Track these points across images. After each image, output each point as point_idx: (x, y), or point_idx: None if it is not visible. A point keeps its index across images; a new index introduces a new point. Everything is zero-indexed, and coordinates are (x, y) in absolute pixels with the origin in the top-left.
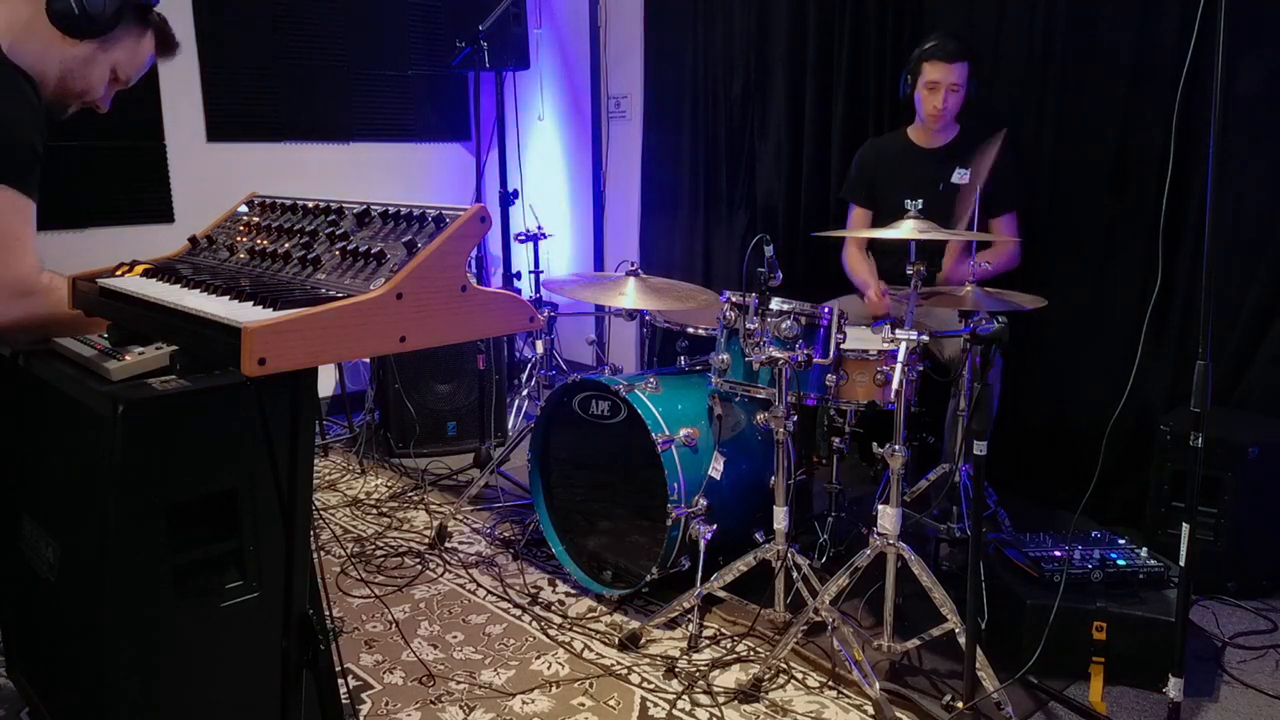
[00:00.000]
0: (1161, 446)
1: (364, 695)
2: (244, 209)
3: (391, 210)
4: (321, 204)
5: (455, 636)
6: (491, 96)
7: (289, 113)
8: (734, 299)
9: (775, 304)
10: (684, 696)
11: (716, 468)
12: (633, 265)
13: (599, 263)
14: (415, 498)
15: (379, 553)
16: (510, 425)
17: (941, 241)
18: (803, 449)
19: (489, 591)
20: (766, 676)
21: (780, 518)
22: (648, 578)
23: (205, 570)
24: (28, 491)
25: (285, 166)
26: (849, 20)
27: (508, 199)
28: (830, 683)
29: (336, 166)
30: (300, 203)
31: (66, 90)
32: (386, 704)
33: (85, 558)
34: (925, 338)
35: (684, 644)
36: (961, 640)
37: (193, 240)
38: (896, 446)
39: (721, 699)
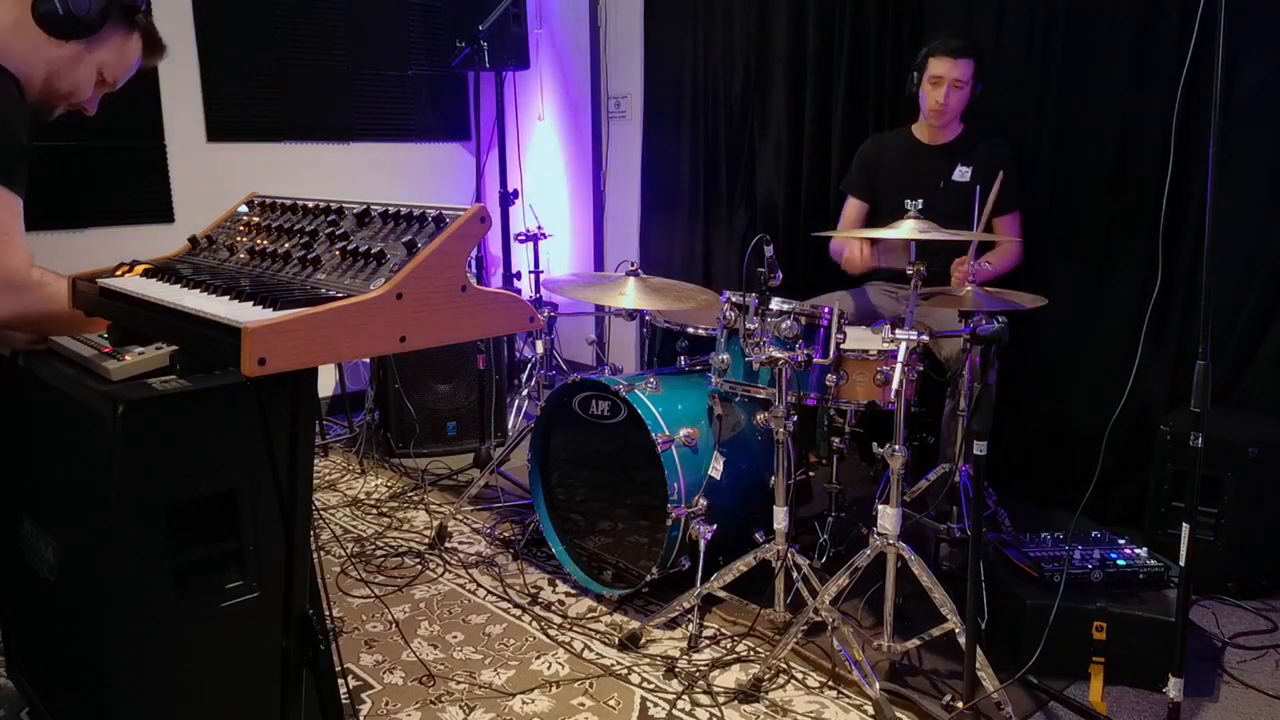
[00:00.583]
0: (1161, 446)
1: (364, 695)
2: (244, 209)
3: (391, 210)
4: (321, 204)
5: (455, 636)
6: (491, 96)
7: (289, 113)
8: (734, 299)
9: (775, 304)
10: (684, 696)
11: (716, 468)
12: (633, 265)
13: (599, 263)
14: (415, 498)
15: (379, 553)
16: (510, 425)
17: (941, 241)
18: (803, 449)
19: (489, 591)
20: (766, 676)
21: (780, 518)
22: (648, 578)
23: (205, 570)
24: (28, 491)
25: (285, 166)
26: (849, 20)
27: (508, 199)
28: (830, 683)
29: (336, 166)
30: (300, 203)
31: (53, 91)
32: (386, 704)
33: (85, 558)
34: (925, 338)
35: (684, 644)
36: (961, 640)
37: (193, 240)
38: (896, 446)
39: (721, 699)
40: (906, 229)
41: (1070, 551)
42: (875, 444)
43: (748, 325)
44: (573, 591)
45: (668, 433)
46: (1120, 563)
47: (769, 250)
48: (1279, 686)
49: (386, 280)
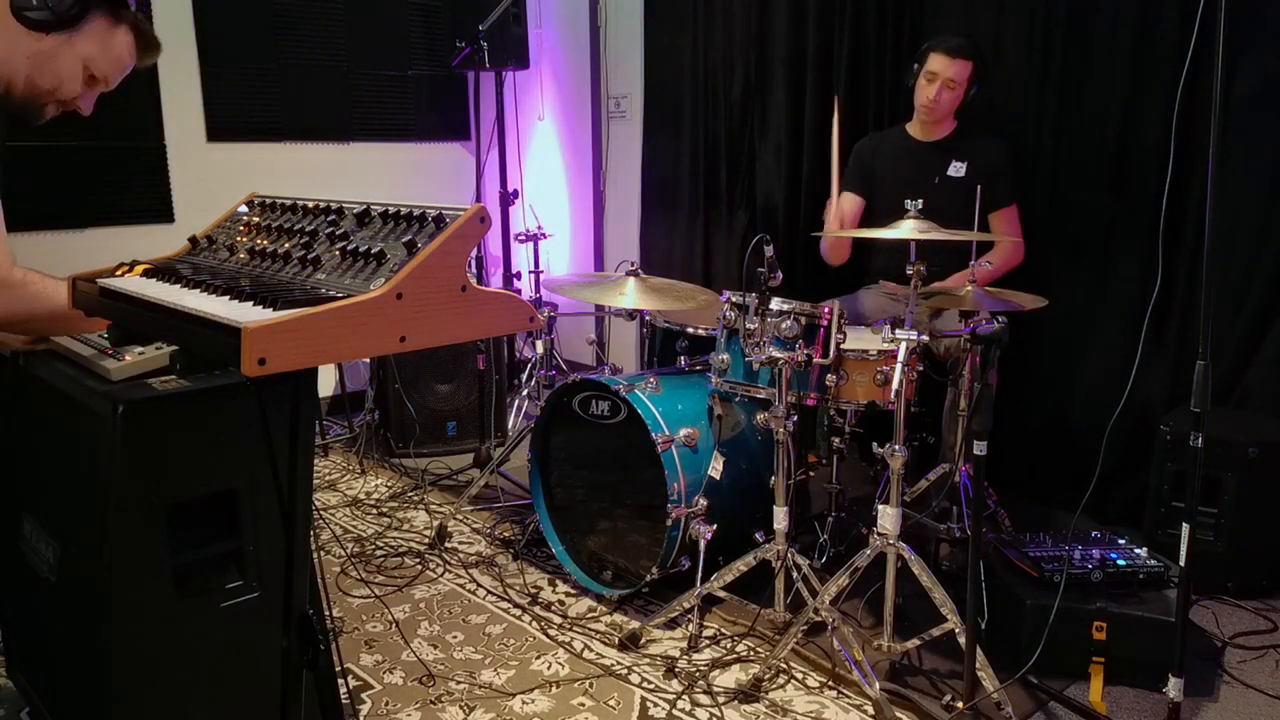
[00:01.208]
0: (1161, 446)
1: (364, 695)
2: (244, 209)
3: (391, 210)
4: (321, 204)
5: (455, 636)
6: (491, 96)
7: (289, 113)
8: (734, 299)
9: (775, 304)
10: (684, 696)
11: (716, 468)
12: (633, 265)
13: (599, 263)
14: (415, 498)
15: (379, 553)
16: (510, 425)
17: (940, 241)
18: (802, 449)
19: (489, 591)
20: (766, 676)
21: (780, 518)
22: (648, 578)
23: (205, 570)
24: (28, 491)
25: (285, 166)
26: (849, 20)
27: (508, 199)
28: (830, 683)
29: (336, 166)
30: (300, 203)
31: (36, 89)
32: (386, 704)
33: (85, 558)
34: (925, 338)
35: (684, 644)
36: (961, 640)
37: (193, 240)
38: (896, 446)
39: (721, 699)
40: (906, 229)
41: (1070, 551)
42: (875, 444)
43: (748, 325)
44: (573, 591)
45: (668, 433)
46: (1120, 563)
47: (769, 250)
48: (1279, 686)
49: (386, 280)
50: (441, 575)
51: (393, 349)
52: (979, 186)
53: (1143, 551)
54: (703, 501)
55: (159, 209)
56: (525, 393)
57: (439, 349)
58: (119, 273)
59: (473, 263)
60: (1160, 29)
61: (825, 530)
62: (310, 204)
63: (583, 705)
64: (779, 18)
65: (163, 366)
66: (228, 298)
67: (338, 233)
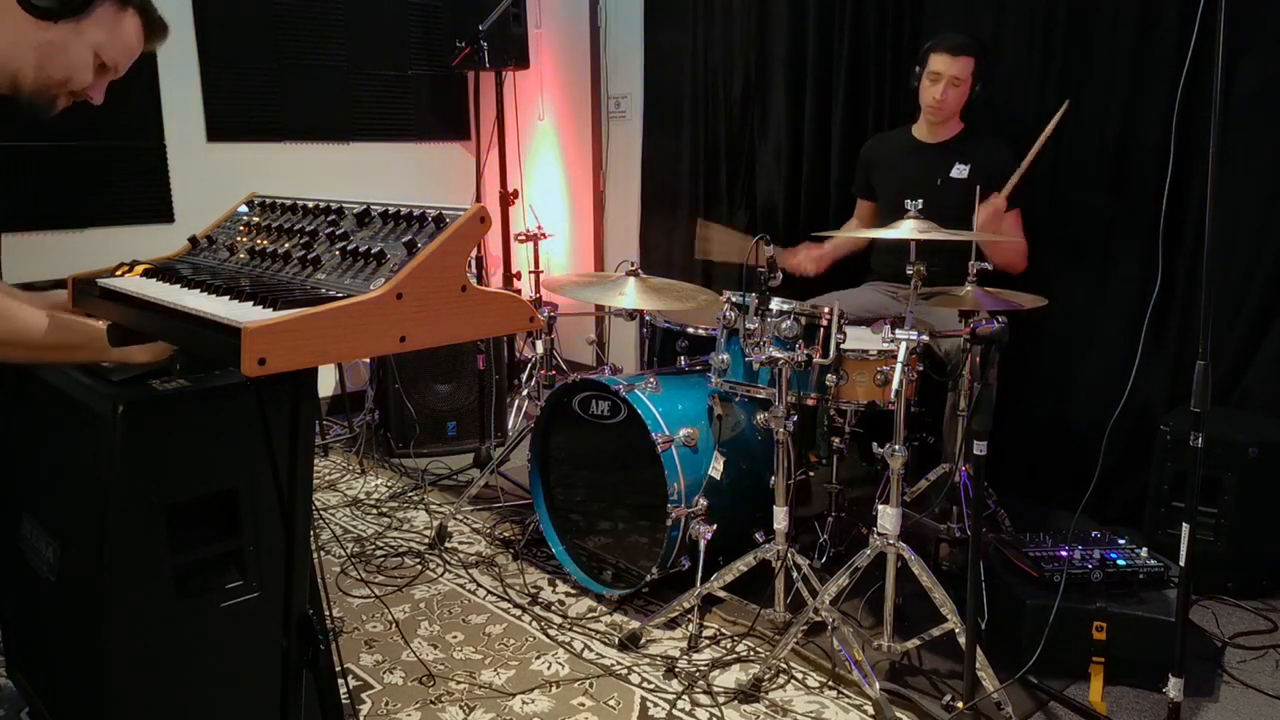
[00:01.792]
0: (1161, 446)
1: (364, 695)
2: (244, 209)
3: (391, 210)
4: (321, 204)
5: (455, 636)
6: (491, 96)
7: (289, 113)
8: (734, 299)
9: (775, 304)
10: (684, 696)
11: (716, 468)
12: (633, 265)
13: (599, 263)
14: (415, 498)
15: (379, 553)
16: (510, 425)
17: (940, 241)
18: (802, 449)
19: (489, 591)
20: (766, 676)
21: (780, 518)
22: (648, 578)
23: (205, 570)
24: (28, 491)
25: (285, 166)
26: (849, 20)
27: (508, 199)
28: (830, 683)
29: (336, 166)
30: (300, 203)
31: (48, 80)
32: (386, 704)
33: (85, 558)
34: (925, 338)
35: (684, 644)
36: (961, 640)
37: (193, 240)
38: (896, 446)
39: (721, 699)
40: (906, 229)
41: (1070, 551)
42: (875, 444)
43: (748, 325)
44: (573, 591)
45: (668, 433)
46: (1120, 563)
47: (769, 250)
48: (1279, 686)
49: (386, 280)
50: (441, 575)
51: (393, 349)
52: (979, 186)
53: (1143, 551)
54: (703, 501)
55: (159, 209)
56: (525, 393)
57: (439, 349)
58: (119, 273)
59: (473, 263)
60: (1160, 29)
61: (825, 530)
62: (310, 204)
63: (583, 705)
64: (779, 18)
65: (163, 366)
66: (228, 298)
67: (338, 233)
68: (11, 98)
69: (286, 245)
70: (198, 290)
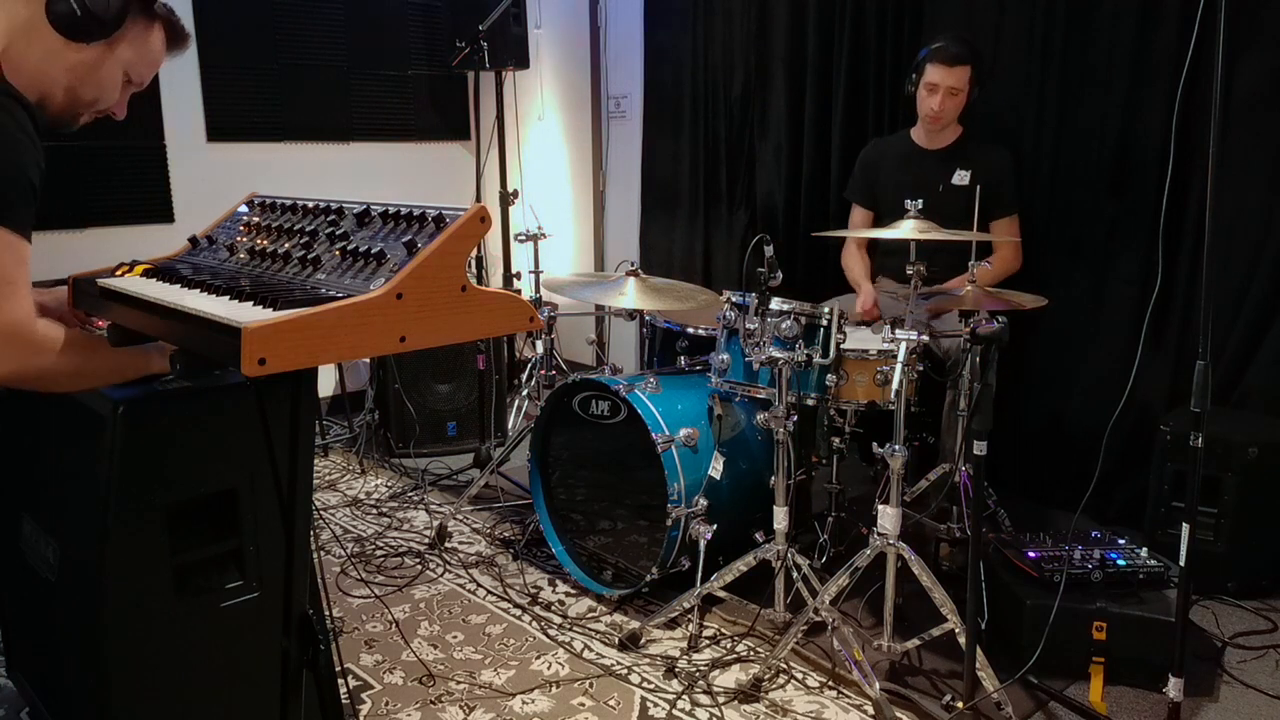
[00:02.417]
0: (1161, 446)
1: (364, 695)
2: (244, 209)
3: (391, 210)
4: (321, 204)
5: (455, 636)
6: (492, 96)
7: (289, 113)
8: (734, 299)
9: (775, 304)
10: (684, 696)
11: (716, 468)
12: (633, 265)
13: (599, 263)
14: (415, 498)
15: (379, 553)
16: (510, 425)
17: (941, 241)
18: (802, 449)
19: (489, 591)
20: (766, 676)
21: (780, 518)
22: (648, 578)
23: (205, 570)
24: (28, 491)
25: (285, 166)
26: (849, 20)
27: (508, 199)
28: (830, 683)
29: (336, 166)
30: (300, 203)
31: (77, 100)
32: (386, 704)
33: (85, 558)
34: (925, 338)
35: (684, 644)
36: (961, 640)
37: (193, 240)
38: (896, 446)
39: (721, 699)
40: (906, 229)
41: (1070, 551)
42: (875, 444)
43: (748, 325)
44: (573, 591)
45: (668, 433)
46: (1120, 563)
47: (769, 250)
48: (1279, 686)
49: (386, 280)
50: (441, 575)
51: (393, 349)
52: (979, 187)
53: (1143, 551)
54: (703, 501)
55: (159, 209)
56: (525, 393)
57: (439, 349)
58: (119, 273)
59: (473, 263)
60: (1160, 29)
61: (825, 530)
62: (310, 204)
63: (583, 705)
64: (779, 18)
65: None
66: (228, 298)
67: (338, 233)
68: (37, 116)
69: (286, 245)
70: (198, 290)
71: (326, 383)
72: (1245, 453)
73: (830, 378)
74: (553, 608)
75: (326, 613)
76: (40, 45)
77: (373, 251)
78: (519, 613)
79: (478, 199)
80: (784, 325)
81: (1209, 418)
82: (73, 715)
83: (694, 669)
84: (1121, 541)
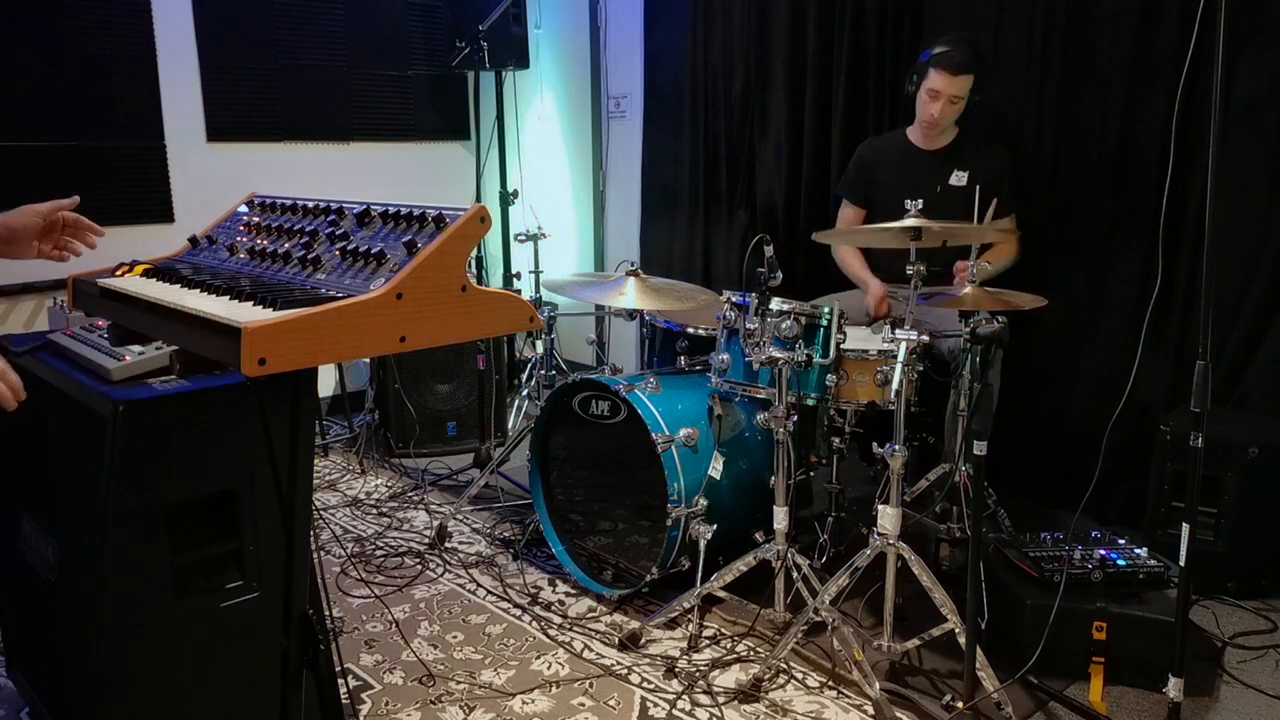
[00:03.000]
0: (1161, 446)
1: (364, 695)
2: (244, 209)
3: (391, 210)
4: (321, 204)
5: (455, 636)
6: (492, 96)
7: (289, 113)
8: (734, 299)
9: (775, 304)
10: (684, 696)
11: (716, 468)
12: (633, 265)
13: (599, 263)
14: (415, 498)
15: (379, 553)
16: (510, 425)
17: (941, 244)
18: (802, 449)
19: (489, 591)
20: (766, 676)
21: (780, 518)
22: (648, 578)
23: (205, 570)
24: (28, 491)
25: (285, 166)
26: (849, 20)
27: (508, 199)
28: (830, 683)
29: (336, 166)
30: (300, 203)
31: None
32: (386, 704)
33: (85, 558)
34: (925, 338)
35: (684, 644)
36: (961, 640)
37: (193, 240)
38: (896, 446)
39: (721, 699)
40: (906, 224)
41: (1070, 551)
42: (875, 444)
43: (748, 325)
44: (573, 591)
45: (668, 433)
46: (1120, 563)
47: (769, 250)
48: (1279, 686)
49: (386, 280)
50: (441, 575)
51: (393, 349)
52: (978, 188)
53: (1143, 551)
54: (703, 501)
55: (159, 209)
56: (525, 393)
57: (439, 349)
58: (119, 273)
59: (473, 263)
60: (1160, 29)
61: (825, 530)
62: (310, 204)
63: (583, 705)
64: (779, 18)
65: (163, 366)
66: (228, 298)
67: (338, 233)
68: None
69: (286, 245)
70: (198, 290)
71: (326, 383)
72: (1245, 453)
73: (830, 378)
74: (553, 608)
75: (326, 613)
76: None
77: (373, 251)
78: (519, 613)
79: (478, 199)
80: (784, 325)
81: (1209, 418)
82: (73, 715)
83: (694, 669)
84: (1121, 541)
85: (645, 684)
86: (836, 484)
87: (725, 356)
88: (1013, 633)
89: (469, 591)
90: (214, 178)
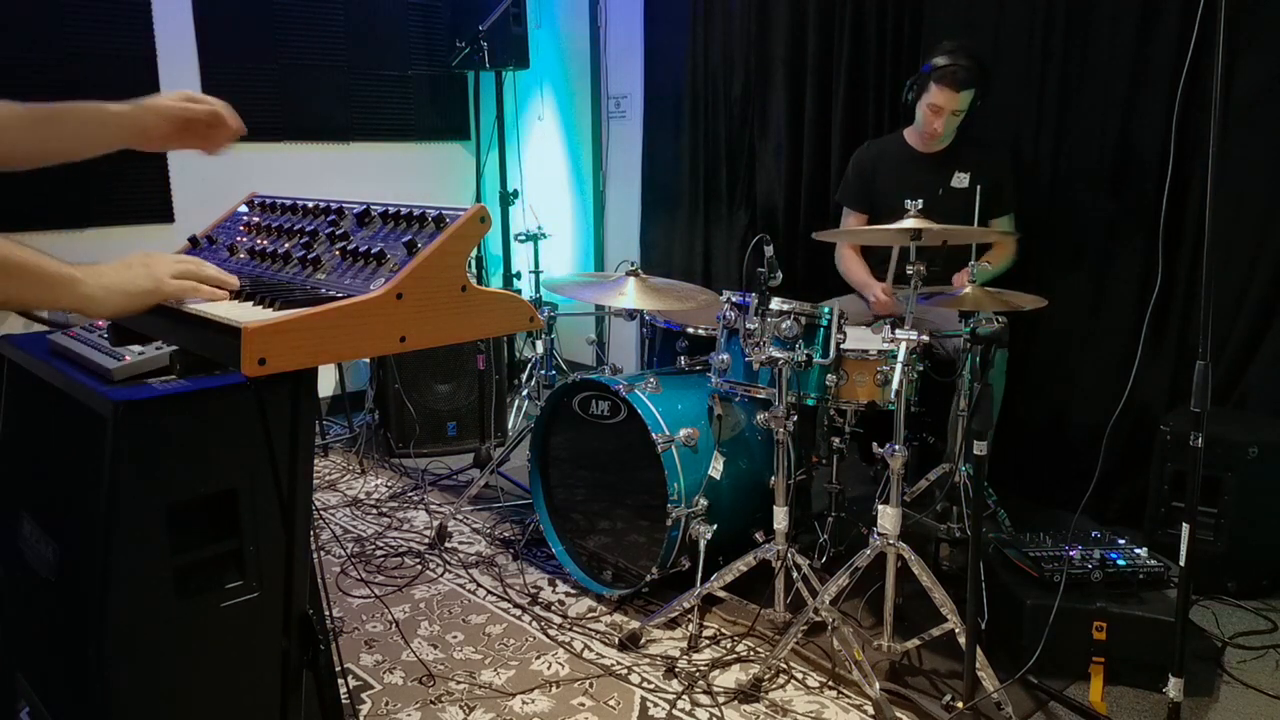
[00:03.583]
0: (1161, 446)
1: (364, 695)
2: (244, 209)
3: (391, 210)
4: (321, 204)
5: (455, 636)
6: (492, 96)
7: (289, 113)
8: (734, 299)
9: (775, 304)
10: (684, 696)
11: (716, 468)
12: (633, 265)
13: (599, 263)
14: (415, 498)
15: (379, 553)
16: (510, 425)
17: (941, 243)
18: (802, 449)
19: (489, 591)
20: (766, 676)
21: (780, 518)
22: (648, 578)
23: (205, 570)
24: (28, 491)
25: (285, 166)
26: (849, 20)
27: (508, 199)
28: (830, 683)
29: (336, 166)
30: (300, 203)
31: None
32: (386, 704)
33: (85, 558)
34: (925, 338)
35: (684, 644)
36: (961, 640)
37: (193, 240)
38: (896, 446)
39: (721, 699)
40: (906, 226)
41: (1070, 551)
42: (875, 444)
43: (748, 325)
44: (573, 591)
45: (668, 433)
46: (1120, 563)
47: (769, 250)
48: (1279, 686)
49: (386, 280)
50: (441, 575)
51: (393, 349)
52: (978, 187)
53: (1143, 551)
54: (703, 501)
55: (159, 209)
56: (525, 393)
57: (439, 349)
58: None
59: (472, 263)
60: (1160, 29)
61: (825, 530)
62: (310, 204)
63: (583, 705)
64: (779, 18)
65: (163, 366)
66: (228, 298)
67: (338, 233)
68: None
69: (286, 245)
70: None
71: (326, 383)
72: (1245, 453)
73: (830, 378)
74: (553, 608)
75: (326, 613)
76: None
77: (373, 251)
78: (519, 613)
79: (478, 199)
80: (784, 325)
81: (1209, 418)
82: (73, 715)
83: (694, 669)
84: (1121, 541)
85: (645, 684)
86: (836, 484)
87: (725, 356)
88: (1013, 633)
89: (469, 591)
90: (214, 178)
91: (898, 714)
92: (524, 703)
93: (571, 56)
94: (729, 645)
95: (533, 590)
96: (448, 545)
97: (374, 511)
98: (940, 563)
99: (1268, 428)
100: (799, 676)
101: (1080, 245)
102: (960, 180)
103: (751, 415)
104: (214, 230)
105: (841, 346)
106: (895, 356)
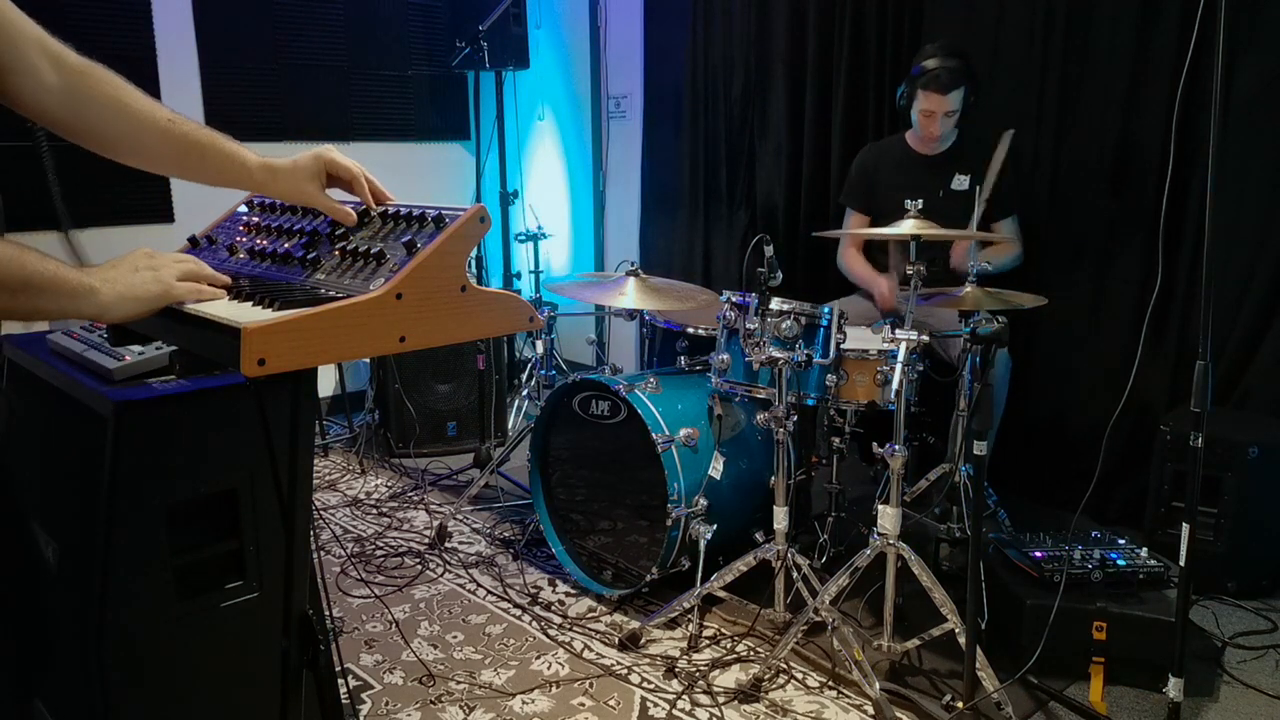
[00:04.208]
0: (1161, 446)
1: (364, 695)
2: (244, 209)
3: (391, 210)
4: None
5: (455, 636)
6: (492, 96)
7: (289, 113)
8: (734, 299)
9: (775, 304)
10: (684, 696)
11: (716, 468)
12: (633, 265)
13: (599, 263)
14: (415, 498)
15: (379, 553)
16: (510, 425)
17: (941, 243)
18: (802, 449)
19: (489, 591)
20: (766, 676)
21: (780, 518)
22: (648, 578)
23: (205, 570)
24: (28, 491)
25: None
26: (849, 20)
27: (508, 199)
28: (830, 683)
29: None
30: None
31: None
32: (386, 704)
33: (85, 558)
34: (925, 338)
35: (684, 644)
36: (961, 640)
37: (193, 240)
38: (896, 446)
39: (721, 699)
40: (907, 228)
41: (1070, 551)
42: (875, 444)
43: (748, 325)
44: (573, 591)
45: (668, 433)
46: (1120, 563)
47: (769, 250)
48: (1279, 686)
49: (386, 280)
50: (441, 575)
51: (393, 349)
52: (978, 187)
53: (1143, 551)
54: (703, 501)
55: (159, 209)
56: (525, 393)
57: (439, 349)
58: None
59: (473, 263)
60: (1160, 29)
61: (825, 530)
62: None
63: (583, 705)
64: (779, 18)
65: (163, 366)
66: (228, 298)
67: (337, 233)
68: None
69: (286, 245)
70: None
71: (326, 383)
72: (1245, 453)
73: (830, 378)
74: (553, 608)
75: (326, 613)
76: None
77: (372, 251)
78: (519, 613)
79: (478, 199)
80: (784, 325)
81: (1209, 418)
82: (73, 715)
83: (694, 669)
84: (1121, 541)
85: (645, 684)
86: (836, 484)
87: (725, 356)
88: (1013, 633)
89: (469, 591)
90: None
91: (898, 714)
92: (524, 703)
93: (571, 56)
94: (729, 645)
95: (533, 590)
96: (448, 545)
97: (374, 511)
98: (940, 563)
99: (1268, 428)
100: (799, 676)
101: (1080, 245)
102: (960, 182)
103: (751, 415)
104: (214, 230)
105: (841, 346)
106: (895, 356)
